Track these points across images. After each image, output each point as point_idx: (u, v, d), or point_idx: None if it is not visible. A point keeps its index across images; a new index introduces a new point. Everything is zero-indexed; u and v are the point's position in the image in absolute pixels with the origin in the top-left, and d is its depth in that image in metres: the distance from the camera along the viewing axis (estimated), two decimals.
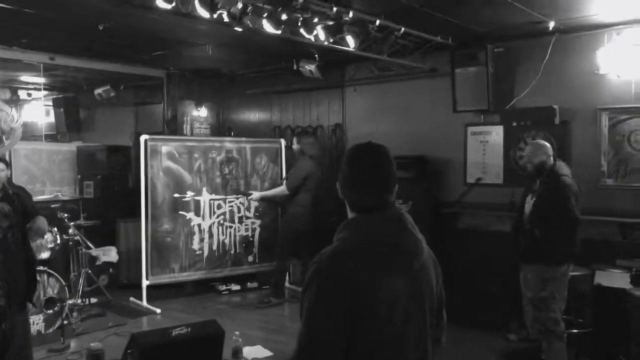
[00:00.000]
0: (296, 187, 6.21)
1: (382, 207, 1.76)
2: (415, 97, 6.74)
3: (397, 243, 1.74)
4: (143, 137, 6.13)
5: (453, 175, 6.44)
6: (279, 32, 4.45)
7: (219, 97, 8.59)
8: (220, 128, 8.59)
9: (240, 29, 4.47)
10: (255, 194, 6.54)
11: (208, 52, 6.33)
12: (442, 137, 6.47)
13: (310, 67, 6.76)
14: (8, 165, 5.94)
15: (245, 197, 6.64)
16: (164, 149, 6.25)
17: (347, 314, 1.57)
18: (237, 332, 4.35)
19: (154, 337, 3.87)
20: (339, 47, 5.18)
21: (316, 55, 6.59)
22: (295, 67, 6.88)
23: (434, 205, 6.36)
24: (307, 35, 4.71)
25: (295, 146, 6.40)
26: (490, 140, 6.15)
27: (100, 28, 5.27)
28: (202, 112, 8.41)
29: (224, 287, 6.72)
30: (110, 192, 7.91)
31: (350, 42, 5.10)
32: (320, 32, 4.86)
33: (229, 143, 6.75)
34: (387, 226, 1.74)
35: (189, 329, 3.97)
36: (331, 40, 4.99)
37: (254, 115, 8.49)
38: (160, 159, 6.22)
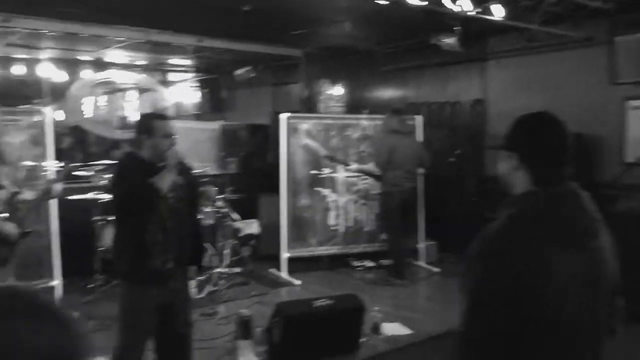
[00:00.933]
0: (381, 163, 6.12)
1: (559, 181, 1.62)
2: (565, 69, 6.26)
3: (573, 220, 1.59)
4: (283, 116, 6.31)
5: (609, 154, 5.93)
6: (425, 2, 4.30)
7: (354, 75, 8.60)
8: (354, 106, 8.60)
9: (383, 2, 4.39)
10: (354, 166, 6.49)
11: (346, 29, 6.33)
12: (596, 112, 5.95)
13: (449, 40, 6.49)
14: None
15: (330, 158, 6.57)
16: (303, 126, 6.39)
17: (514, 297, 1.47)
18: (376, 308, 4.36)
19: (298, 308, 3.98)
20: (485, 16, 4.92)
21: (457, 28, 6.33)
22: (433, 41, 6.67)
23: (587, 186, 5.84)
24: (451, 6, 4.52)
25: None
26: None
27: (244, 10, 5.47)
28: (337, 90, 8.47)
29: (359, 263, 6.77)
30: (251, 169, 8.27)
31: (498, 11, 4.81)
32: (464, 2, 4.65)
33: (365, 121, 6.75)
34: (564, 201, 1.60)
35: (331, 301, 4.04)
36: (477, 10, 4.75)
37: (388, 93, 8.40)
38: (299, 136, 6.38)
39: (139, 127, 3.19)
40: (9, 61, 8.78)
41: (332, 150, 6.48)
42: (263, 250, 7.20)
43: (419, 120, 6.95)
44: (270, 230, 7.16)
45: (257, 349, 3.99)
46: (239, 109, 10.75)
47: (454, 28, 6.34)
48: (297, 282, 6.16)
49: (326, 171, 6.52)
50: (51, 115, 5.23)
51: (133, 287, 3.07)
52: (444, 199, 7.21)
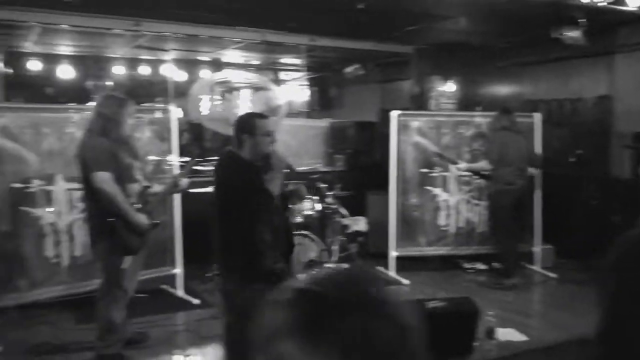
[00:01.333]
0: (492, 161, 5.88)
1: None
2: None
3: None
4: (394, 113, 6.26)
5: None
6: None
7: (467, 71, 8.35)
8: (466, 103, 8.35)
9: None
10: (463, 164, 6.26)
11: (461, 24, 6.16)
12: None
13: (572, 34, 6.12)
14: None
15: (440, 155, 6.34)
16: (414, 124, 6.31)
17: None
18: (491, 312, 4.21)
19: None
20: (616, 7, 4.58)
21: (582, 20, 5.95)
22: (554, 34, 6.31)
23: None
24: None
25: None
26: None
27: (358, 7, 5.48)
28: (449, 87, 8.27)
29: (470, 266, 6.58)
30: (358, 166, 8.30)
31: (633, 1, 4.46)
32: None
33: (479, 118, 6.54)
34: None
35: (445, 303, 3.96)
36: (608, 1, 4.43)
37: (503, 89, 8.08)
38: (410, 134, 6.31)
39: (241, 126, 3.23)
40: (136, 62, 9.45)
41: (444, 149, 6.33)
42: (370, 248, 7.20)
43: (537, 117, 6.61)
44: (378, 228, 7.15)
45: None
46: (347, 106, 10.82)
47: (579, 20, 5.98)
48: (406, 281, 6.09)
49: (437, 169, 6.40)
50: (175, 111, 5.53)
51: (247, 287, 3.03)
52: (563, 201, 6.82)
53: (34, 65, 8.77)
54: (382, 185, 7.50)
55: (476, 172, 6.37)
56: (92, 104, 3.97)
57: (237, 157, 3.20)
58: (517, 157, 5.99)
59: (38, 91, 9.10)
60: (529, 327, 4.67)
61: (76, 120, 4.84)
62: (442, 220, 6.44)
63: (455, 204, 6.46)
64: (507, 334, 4.40)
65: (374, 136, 9.56)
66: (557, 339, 4.44)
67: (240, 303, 3.05)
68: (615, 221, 6.10)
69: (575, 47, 6.28)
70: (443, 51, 8.06)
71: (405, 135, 6.30)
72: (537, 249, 6.56)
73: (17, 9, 5.72)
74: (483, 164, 6.13)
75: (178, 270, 5.55)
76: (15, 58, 8.48)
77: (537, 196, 6.52)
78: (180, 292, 5.54)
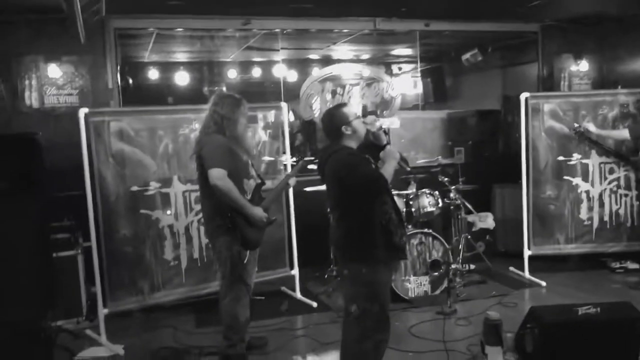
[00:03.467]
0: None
1: None
2: None
3: None
4: (523, 95, 5.64)
5: None
6: None
7: (602, 47, 7.44)
8: (603, 82, 7.45)
9: None
10: (591, 127, 5.48)
11: None
12: None
13: None
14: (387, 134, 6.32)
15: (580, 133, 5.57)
16: (546, 107, 5.65)
17: None
18: None
19: (557, 314, 3.41)
20: None
21: None
22: None
23: None
24: None
25: None
26: None
27: None
28: (582, 65, 7.42)
29: (618, 265, 5.78)
30: (481, 157, 7.69)
31: None
32: None
33: (624, 96, 5.72)
34: None
35: (598, 309, 3.39)
36: None
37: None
38: (542, 118, 5.65)
39: (333, 120, 3.23)
40: (248, 65, 9.53)
41: (580, 131, 5.59)
42: (499, 247, 6.61)
43: None
44: (507, 224, 6.55)
45: (507, 357, 3.52)
46: (465, 96, 10.19)
47: None
48: (543, 283, 5.46)
49: (576, 157, 5.68)
50: (287, 110, 5.37)
51: (383, 268, 3.17)
52: None
53: (152, 74, 9.10)
54: (510, 177, 6.87)
55: (618, 155, 5.60)
56: (207, 105, 3.90)
57: (341, 146, 3.20)
58: None
59: (155, 100, 9.44)
60: None
61: (191, 122, 4.82)
62: (583, 214, 5.71)
63: (598, 195, 5.70)
64: None
65: (496, 125, 8.88)
66: None
67: (373, 285, 3.13)
68: None
69: None
70: (574, 26, 7.23)
71: (537, 119, 5.65)
72: None
73: (129, 17, 5.85)
74: (619, 132, 5.39)
75: (295, 271, 5.36)
76: (133, 68, 8.83)
77: None
78: (297, 294, 5.35)
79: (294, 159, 5.44)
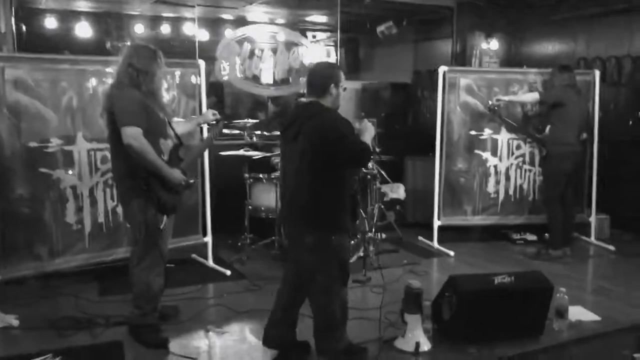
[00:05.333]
0: (548, 101, 5.47)
1: None
2: None
3: None
4: (442, 69, 5.73)
5: None
6: None
7: (512, 28, 7.73)
8: (510, 62, 7.76)
9: None
10: (504, 97, 5.74)
11: None
12: None
13: None
14: None
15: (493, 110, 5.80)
16: (462, 81, 5.78)
17: None
18: (562, 289, 3.75)
19: (474, 283, 3.51)
20: None
21: None
22: None
23: None
24: None
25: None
26: None
27: None
28: (493, 44, 7.67)
29: (519, 236, 6.10)
30: (393, 129, 7.80)
31: None
32: None
33: (533, 75, 5.97)
34: None
35: (512, 278, 3.52)
36: None
37: (551, 47, 7.45)
38: (458, 92, 5.78)
39: (328, 75, 3.13)
40: (157, 20, 8.95)
41: (494, 109, 5.78)
42: (409, 217, 6.77)
43: (595, 75, 6.04)
44: (418, 195, 6.71)
45: (425, 325, 3.58)
46: (378, 68, 10.25)
47: None
48: (451, 252, 5.65)
49: (487, 132, 5.88)
50: (203, 68, 5.08)
51: (346, 237, 3.23)
52: (619, 167, 6.29)
53: (49, 23, 8.29)
54: (421, 149, 7.04)
55: (526, 132, 5.87)
56: (118, 56, 3.55)
57: (325, 107, 3.10)
58: (579, 118, 5.50)
59: (53, 51, 8.65)
60: (596, 306, 4.21)
61: (100, 74, 4.42)
62: (490, 187, 5.95)
63: (505, 170, 5.96)
64: (577, 313, 3.96)
65: (409, 98, 9.05)
66: (632, 319, 4.01)
67: (338, 254, 3.14)
68: None
69: None
70: (488, 5, 7.44)
71: (453, 93, 5.77)
72: (592, 219, 6.06)
73: None
74: (532, 95, 5.66)
75: (208, 238, 5.15)
76: (28, 14, 8.00)
77: (594, 162, 5.99)
78: (210, 262, 5.16)
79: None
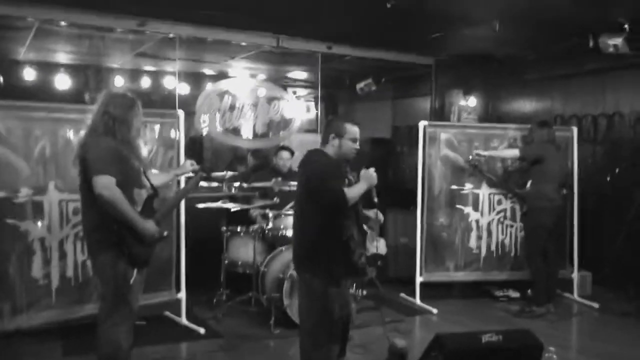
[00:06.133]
0: (528, 157, 5.48)
1: None
2: None
3: None
4: (422, 123, 5.74)
5: None
6: None
7: (489, 85, 7.88)
8: (488, 118, 7.87)
9: None
10: (483, 152, 5.76)
11: (494, 29, 5.65)
12: None
13: (614, 42, 5.66)
14: (293, 154, 6.15)
15: (474, 166, 5.78)
16: (443, 136, 5.79)
17: None
18: (552, 348, 3.62)
19: (461, 342, 3.37)
20: None
21: (626, 26, 5.50)
22: (593, 42, 5.84)
23: None
24: None
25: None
26: None
27: (389, 6, 4.99)
28: (470, 101, 7.79)
29: (502, 293, 5.99)
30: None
31: None
32: None
33: (512, 131, 6.01)
34: None
35: (500, 337, 3.38)
36: None
37: (529, 105, 7.58)
38: (439, 146, 5.78)
39: (330, 127, 3.37)
40: (138, 73, 8.94)
41: (474, 164, 5.78)
42: (390, 273, 6.63)
43: (574, 132, 6.11)
44: (399, 250, 6.60)
45: None
46: (358, 123, 10.32)
47: (623, 26, 5.53)
48: (434, 310, 5.49)
49: (468, 186, 5.85)
50: (183, 118, 5.01)
51: (336, 284, 3.18)
52: (600, 224, 6.29)
53: (28, 74, 8.21)
54: (401, 203, 6.98)
55: (506, 187, 5.86)
56: (94, 104, 3.46)
57: (324, 153, 3.30)
58: (559, 173, 5.51)
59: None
60: None
61: (74, 123, 4.30)
62: (472, 243, 5.87)
63: (487, 225, 5.90)
64: None
65: (388, 153, 9.08)
66: None
67: (326, 297, 3.15)
68: None
69: (611, 58, 5.83)
70: (465, 63, 7.59)
71: (434, 148, 5.77)
72: (575, 275, 5.99)
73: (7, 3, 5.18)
74: (513, 152, 5.66)
75: (181, 294, 4.93)
76: (7, 65, 7.94)
77: (575, 218, 5.98)
78: (184, 319, 4.92)
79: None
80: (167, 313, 5.09)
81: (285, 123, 6.71)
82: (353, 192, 3.20)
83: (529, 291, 5.80)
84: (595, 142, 6.63)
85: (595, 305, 5.73)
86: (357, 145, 3.39)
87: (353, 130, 3.35)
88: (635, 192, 5.99)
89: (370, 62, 7.70)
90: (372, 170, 3.34)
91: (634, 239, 5.93)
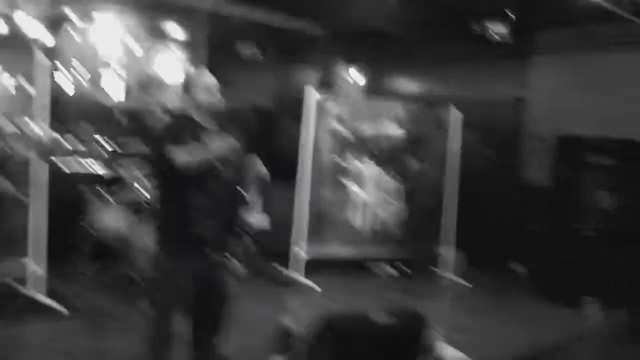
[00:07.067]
0: (415, 139, 5.66)
1: None
2: (629, 71, 5.64)
3: None
4: (312, 93, 5.53)
5: None
6: None
7: (376, 61, 7.87)
8: (372, 91, 7.87)
9: None
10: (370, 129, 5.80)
11: (381, 7, 5.54)
12: None
13: (496, 29, 5.86)
14: None
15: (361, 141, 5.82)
16: (332, 108, 5.63)
17: None
18: (434, 326, 3.63)
19: (352, 322, 3.23)
20: None
21: (510, 14, 5.70)
22: (477, 27, 5.98)
23: None
24: None
25: None
26: None
27: None
28: (357, 75, 7.73)
29: (381, 270, 6.04)
30: (258, 154, 7.48)
31: None
32: None
33: (400, 109, 6.01)
34: None
35: (390, 317, 3.31)
36: None
37: (413, 84, 7.69)
38: (327, 119, 5.62)
39: (185, 84, 3.02)
40: None
41: (362, 140, 5.72)
42: (270, 246, 6.42)
43: (455, 113, 6.27)
44: (280, 223, 6.39)
45: None
46: (239, 89, 9.90)
47: (508, 14, 5.72)
48: (316, 287, 5.38)
49: (354, 162, 5.77)
50: (46, 64, 4.33)
51: (175, 259, 2.87)
52: (475, 205, 6.53)
53: None
54: (283, 176, 6.78)
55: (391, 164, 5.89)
56: None
57: (179, 112, 3.01)
58: (442, 155, 5.62)
59: None
60: (461, 343, 4.16)
61: None
62: (356, 220, 5.82)
63: (370, 202, 5.88)
64: (444, 352, 3.85)
65: (270, 123, 8.80)
66: (497, 356, 4.03)
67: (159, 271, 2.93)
68: (533, 228, 5.96)
69: (492, 45, 6.03)
70: (355, 37, 7.48)
71: (323, 120, 5.59)
72: (449, 254, 6.20)
73: None
74: (401, 130, 5.66)
75: (38, 265, 4.31)
76: None
77: (452, 198, 6.17)
78: (41, 295, 4.32)
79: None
80: (17, 285, 4.43)
81: (163, 84, 6.23)
82: (194, 156, 2.72)
83: (404, 268, 5.91)
84: (474, 125, 6.85)
85: (468, 284, 5.96)
86: (214, 94, 2.96)
87: (203, 79, 2.95)
88: (510, 175, 6.30)
89: (257, 27, 7.33)
90: (226, 138, 2.87)
91: (507, 220, 6.22)
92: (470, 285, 5.93)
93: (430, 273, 5.80)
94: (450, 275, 6.11)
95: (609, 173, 5.25)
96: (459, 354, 3.91)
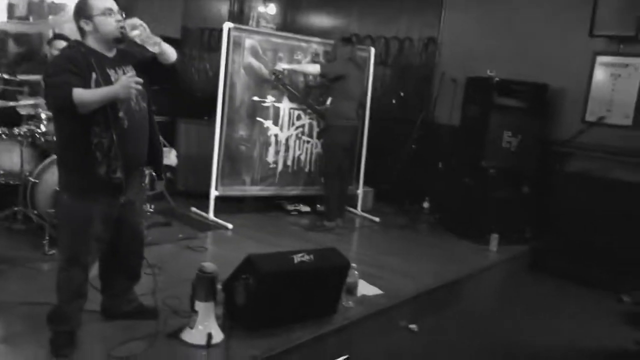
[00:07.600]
0: (329, 75, 5.39)
1: None
2: (539, 14, 5.80)
3: None
4: (226, 25, 5.24)
5: (570, 110, 5.68)
6: None
7: None
8: (286, 28, 7.62)
9: None
10: (285, 65, 5.54)
11: None
12: (563, 64, 5.63)
13: None
14: None
15: (276, 77, 5.55)
16: (248, 42, 5.38)
17: None
18: (354, 265, 3.70)
19: (273, 263, 3.19)
20: None
21: None
22: None
23: (545, 141, 5.65)
24: None
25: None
26: (624, 74, 5.33)
27: None
28: (270, 9, 7.43)
29: (293, 207, 6.04)
30: (162, 89, 7.05)
31: None
32: None
33: (316, 45, 5.86)
34: None
35: (311, 256, 3.31)
36: None
37: (327, 20, 7.52)
38: (243, 54, 5.37)
39: (76, 12, 2.71)
40: None
41: (278, 76, 5.54)
42: (180, 186, 6.22)
43: (371, 52, 6.22)
44: (191, 162, 6.19)
45: (217, 312, 3.16)
46: (143, 18, 9.22)
47: None
48: (229, 225, 5.29)
49: (270, 99, 5.60)
50: None
51: (80, 201, 2.70)
52: (383, 144, 6.62)
53: None
54: (195, 112, 6.54)
55: (306, 103, 5.78)
56: None
57: (76, 44, 2.70)
58: (358, 93, 5.58)
59: None
60: (375, 277, 4.28)
61: None
62: (270, 157, 5.71)
63: (285, 140, 5.78)
64: (361, 288, 3.95)
65: (181, 54, 8.31)
66: (411, 291, 4.18)
67: (64, 215, 2.79)
68: (439, 167, 6.16)
69: None
70: None
71: (238, 54, 5.34)
72: (360, 191, 6.31)
73: None
74: (313, 67, 5.52)
75: None
76: None
77: (363, 137, 6.22)
78: None
79: None
80: None
81: (56, 7, 5.65)
82: (95, 93, 2.52)
83: (318, 206, 5.94)
84: (385, 64, 6.86)
85: (377, 219, 6.12)
86: (117, 17, 2.68)
87: (99, 2, 2.65)
88: (417, 115, 6.40)
89: None
90: (131, 76, 2.59)
91: (411, 158, 6.39)
92: (378, 220, 6.07)
93: (343, 209, 5.86)
94: (358, 211, 6.23)
95: (512, 114, 5.47)
96: (370, 288, 4.03)
